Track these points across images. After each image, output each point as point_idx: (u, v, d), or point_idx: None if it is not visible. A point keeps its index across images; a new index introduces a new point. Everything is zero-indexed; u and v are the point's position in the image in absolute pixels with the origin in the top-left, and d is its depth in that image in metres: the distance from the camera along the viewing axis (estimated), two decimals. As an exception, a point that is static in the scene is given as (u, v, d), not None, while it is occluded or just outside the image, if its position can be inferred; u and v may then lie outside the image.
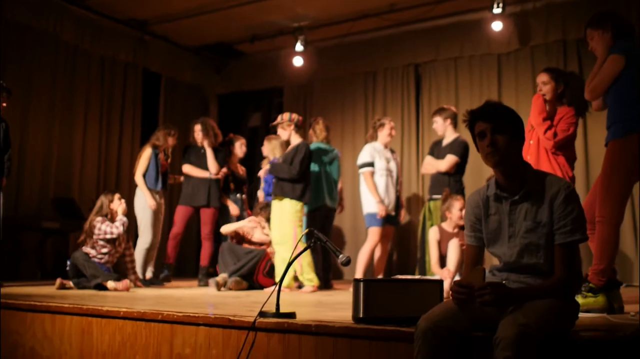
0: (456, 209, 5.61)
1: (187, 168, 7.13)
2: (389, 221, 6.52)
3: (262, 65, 9.93)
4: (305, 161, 6.03)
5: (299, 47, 8.81)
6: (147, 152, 6.88)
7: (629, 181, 3.69)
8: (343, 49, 9.28)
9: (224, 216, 7.33)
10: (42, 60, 7.86)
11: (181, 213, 7.11)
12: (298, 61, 9.03)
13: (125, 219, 6.04)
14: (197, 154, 7.17)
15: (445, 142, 6.33)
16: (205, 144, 7.12)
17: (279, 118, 6.25)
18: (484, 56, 8.44)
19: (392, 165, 6.61)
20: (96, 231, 5.92)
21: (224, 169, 7.31)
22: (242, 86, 10.24)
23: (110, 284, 5.57)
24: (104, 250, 5.95)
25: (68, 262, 5.93)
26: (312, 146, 6.49)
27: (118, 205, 6.13)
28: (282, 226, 5.95)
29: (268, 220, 6.47)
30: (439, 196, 6.07)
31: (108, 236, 5.92)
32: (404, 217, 7.16)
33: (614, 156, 3.68)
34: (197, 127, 7.21)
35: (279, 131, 6.24)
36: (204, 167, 7.09)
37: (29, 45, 7.69)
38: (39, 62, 7.82)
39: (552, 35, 7.90)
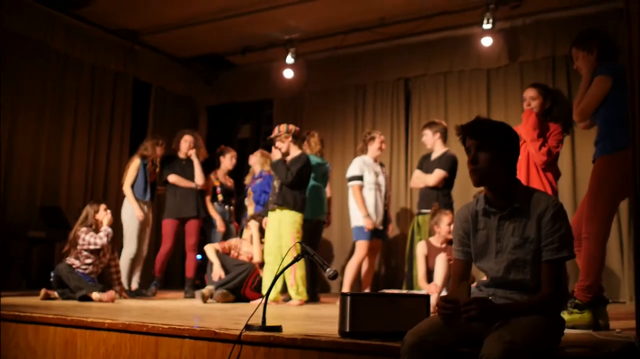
0: (445, 224, 5.61)
1: (174, 178, 7.09)
2: (376, 234, 6.52)
3: (252, 77, 9.94)
4: (303, 171, 5.98)
5: (289, 59, 8.82)
6: (135, 163, 6.86)
7: (616, 198, 3.71)
8: (334, 62, 9.31)
9: (211, 227, 7.32)
10: (32, 69, 7.83)
11: (170, 227, 7.03)
12: (289, 73, 9.05)
13: (109, 230, 5.99)
14: (180, 165, 7.14)
15: (434, 156, 6.34)
16: (193, 154, 7.10)
17: (275, 130, 6.13)
18: (474, 71, 8.48)
19: (381, 179, 6.61)
20: (80, 242, 5.88)
21: (214, 180, 7.33)
22: (233, 98, 10.24)
23: (95, 295, 5.53)
24: (88, 261, 5.91)
25: (52, 274, 5.89)
26: (308, 159, 6.46)
27: (103, 216, 6.09)
28: (280, 237, 5.93)
29: (261, 230, 6.40)
30: (427, 211, 6.07)
31: (92, 247, 5.88)
32: (392, 231, 7.15)
33: (601, 172, 3.70)
34: (189, 138, 7.18)
35: (277, 143, 6.11)
36: (187, 177, 7.07)
37: (18, 54, 7.66)
38: (28, 71, 7.78)
39: (541, 52, 7.97)
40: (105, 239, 5.91)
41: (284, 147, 6.08)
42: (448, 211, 5.75)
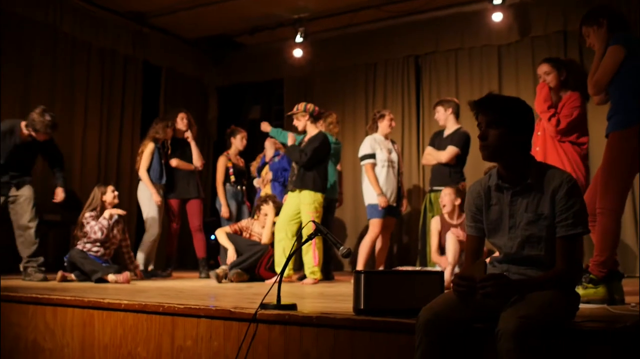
0: (442, 194, 5.70)
1: (175, 162, 7.06)
2: (390, 212, 6.51)
3: (262, 57, 9.91)
4: (318, 152, 5.95)
5: (298, 38, 8.79)
6: (150, 147, 6.83)
7: (630, 173, 3.68)
8: (343, 40, 9.26)
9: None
10: (41, 52, 7.84)
11: (176, 207, 7.07)
12: (298, 53, 9.03)
13: (105, 223, 5.95)
14: (179, 146, 7.14)
15: (446, 133, 6.31)
16: (190, 137, 7.10)
17: (294, 108, 6.17)
18: (485, 47, 8.42)
19: (394, 156, 6.59)
20: (85, 229, 5.94)
21: (226, 161, 7.36)
22: (242, 78, 10.23)
23: (110, 277, 5.57)
24: (98, 243, 5.93)
25: (65, 259, 5.93)
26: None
27: (112, 197, 6.10)
28: (295, 215, 5.95)
29: (277, 211, 6.41)
30: (439, 188, 6.05)
31: (93, 237, 5.91)
32: (405, 208, 7.14)
33: (614, 147, 3.67)
34: (184, 115, 7.15)
35: (294, 121, 6.15)
36: (186, 158, 7.07)
37: (27, 37, 7.66)
38: (38, 54, 7.79)
39: (552, 26, 7.88)
40: (99, 234, 5.87)
41: (301, 125, 6.10)
42: (451, 187, 5.81)
